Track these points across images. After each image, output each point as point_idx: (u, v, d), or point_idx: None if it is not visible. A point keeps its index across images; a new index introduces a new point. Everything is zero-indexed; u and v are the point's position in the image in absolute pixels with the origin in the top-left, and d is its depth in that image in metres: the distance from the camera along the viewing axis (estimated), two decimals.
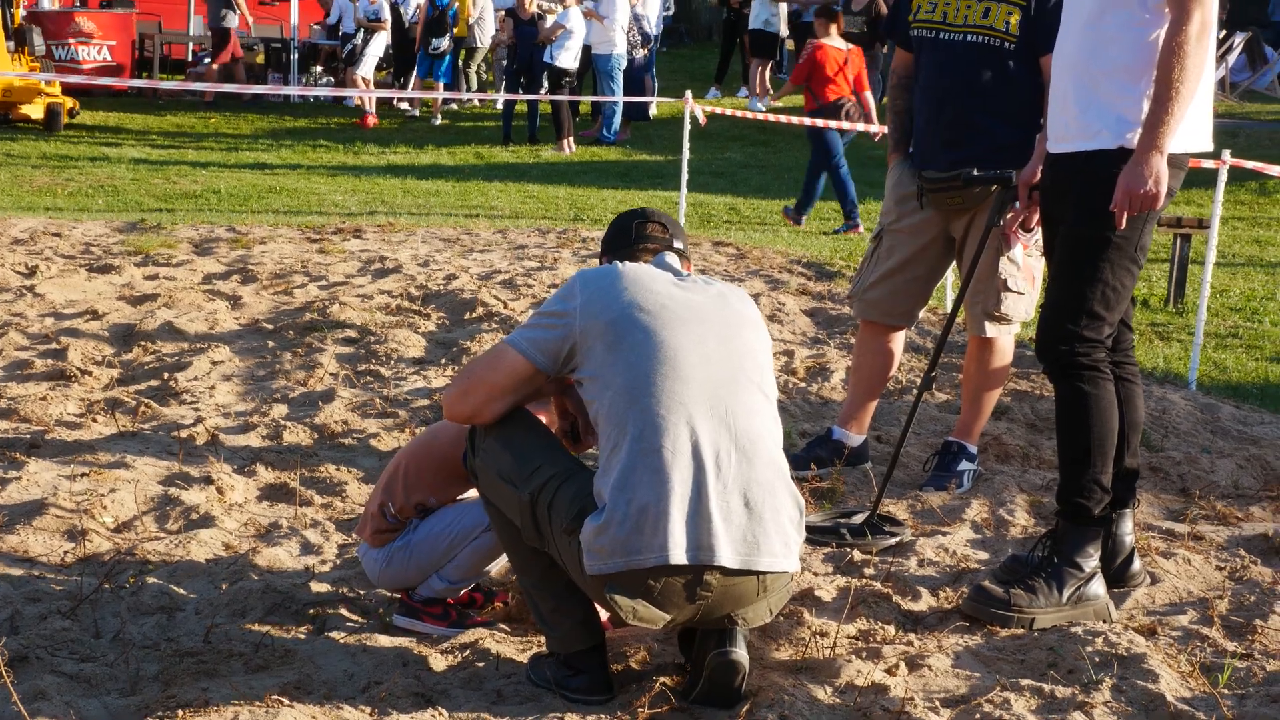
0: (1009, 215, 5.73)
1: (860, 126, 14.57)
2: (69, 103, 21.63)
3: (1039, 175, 5.34)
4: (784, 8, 24.88)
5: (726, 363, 4.12)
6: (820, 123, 14.45)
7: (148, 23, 26.85)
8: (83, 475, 6.03)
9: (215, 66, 24.12)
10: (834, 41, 15.01)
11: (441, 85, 23.07)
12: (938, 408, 7.58)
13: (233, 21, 24.17)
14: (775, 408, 4.24)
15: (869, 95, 15.35)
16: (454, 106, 25.14)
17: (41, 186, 16.02)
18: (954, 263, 6.47)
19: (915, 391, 6.04)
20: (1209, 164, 8.36)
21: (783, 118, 15.82)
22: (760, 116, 16.21)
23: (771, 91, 24.89)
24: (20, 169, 17.23)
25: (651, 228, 4.55)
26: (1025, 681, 4.31)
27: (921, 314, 6.71)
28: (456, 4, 23.56)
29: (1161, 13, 4.63)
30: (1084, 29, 4.81)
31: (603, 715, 4.14)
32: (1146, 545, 5.56)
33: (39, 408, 6.99)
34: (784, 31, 25.03)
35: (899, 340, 6.59)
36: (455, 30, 23.66)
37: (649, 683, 4.32)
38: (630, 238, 4.54)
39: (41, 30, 22.51)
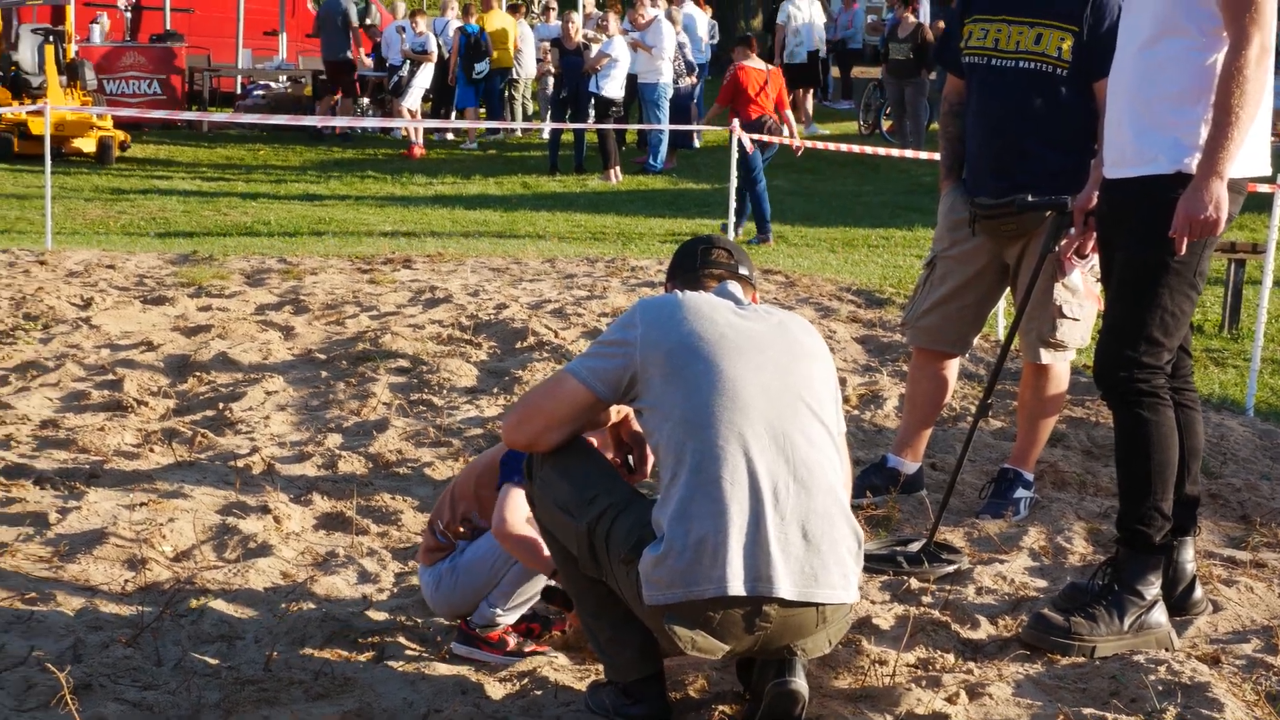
0: (1064, 241, 5.71)
1: (782, 140, 15.49)
2: (120, 136, 21.81)
3: (1095, 201, 5.32)
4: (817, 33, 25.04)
5: (785, 393, 4.11)
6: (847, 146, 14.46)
7: (197, 56, 27.09)
8: (141, 505, 6.07)
9: (340, 100, 24.41)
10: (753, 63, 15.87)
11: (483, 112, 23.32)
12: (993, 435, 7.55)
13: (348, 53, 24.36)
14: (838, 439, 4.22)
15: (789, 112, 16.40)
16: (500, 136, 25.25)
17: (94, 219, 16.15)
18: (1008, 289, 6.45)
19: (971, 418, 6.02)
20: (1265, 188, 8.31)
21: (830, 145, 15.82)
22: (801, 143, 16.29)
23: (811, 117, 25.07)
24: (73, 202, 17.37)
25: (717, 254, 4.54)
26: (1088, 710, 4.28)
27: (975, 341, 6.68)
28: (486, 31, 23.75)
29: (1218, 37, 4.61)
30: (1139, 54, 4.79)
31: None
32: (1208, 573, 5.51)
33: (97, 438, 7.04)
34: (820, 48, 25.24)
35: (953, 367, 6.57)
36: (498, 58, 23.85)
37: (708, 711, 4.32)
38: (695, 264, 4.53)
39: (93, 65, 22.72)
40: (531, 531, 4.60)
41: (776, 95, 15.91)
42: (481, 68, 23.59)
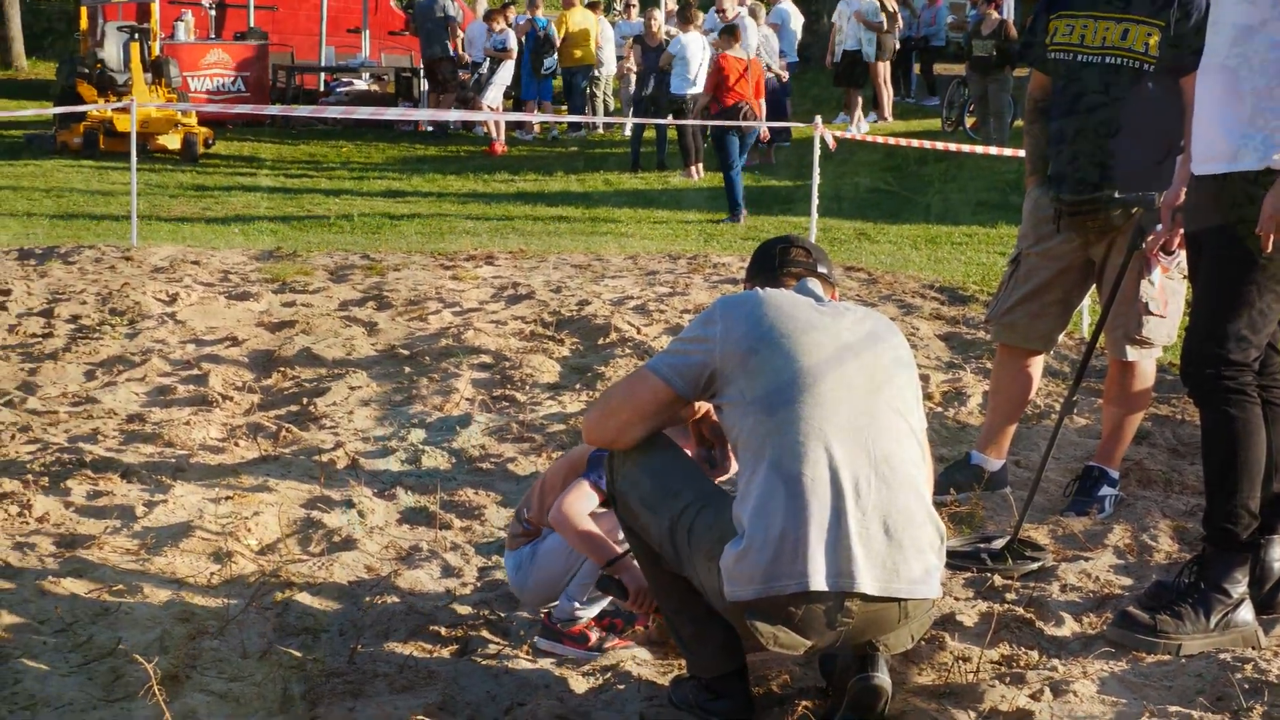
0: (1150, 238, 5.67)
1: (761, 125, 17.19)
2: (204, 133, 22.00)
3: (1182, 197, 5.27)
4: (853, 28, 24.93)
5: (867, 389, 4.10)
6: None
7: (281, 54, 27.30)
8: (227, 498, 6.14)
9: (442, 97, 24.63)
10: (734, 53, 17.18)
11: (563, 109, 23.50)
12: (1078, 432, 7.49)
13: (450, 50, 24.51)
14: (920, 434, 4.20)
15: (762, 102, 17.90)
16: (582, 133, 25.31)
17: (179, 215, 16.31)
18: (1093, 286, 6.40)
19: (1056, 416, 5.98)
20: None
21: (913, 142, 15.75)
22: (867, 138, 16.51)
23: (890, 113, 25.07)
24: (158, 198, 17.55)
25: (795, 252, 4.54)
26: (1173, 708, 4.25)
27: (1060, 338, 6.63)
28: (554, 26, 23.87)
29: None
30: (1227, 49, 4.75)
31: None
32: None
33: (183, 432, 7.11)
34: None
35: (1038, 364, 6.52)
36: (580, 56, 23.93)
37: (790, 706, 4.31)
38: (774, 263, 4.53)
39: (178, 62, 22.95)
40: (589, 524, 4.64)
41: (755, 84, 17.17)
42: (550, 63, 23.67)
